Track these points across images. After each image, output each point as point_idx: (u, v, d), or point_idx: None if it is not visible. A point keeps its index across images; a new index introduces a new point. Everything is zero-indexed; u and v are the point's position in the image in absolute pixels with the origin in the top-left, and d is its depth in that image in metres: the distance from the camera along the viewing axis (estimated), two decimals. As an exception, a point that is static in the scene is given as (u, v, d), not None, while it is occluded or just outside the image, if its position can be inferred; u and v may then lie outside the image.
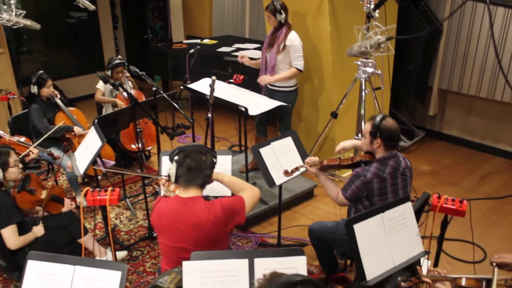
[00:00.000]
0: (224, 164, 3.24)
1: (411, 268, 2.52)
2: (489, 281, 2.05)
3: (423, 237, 2.88)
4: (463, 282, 2.11)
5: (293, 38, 4.36)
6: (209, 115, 3.83)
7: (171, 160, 2.59)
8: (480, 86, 5.43)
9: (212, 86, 3.74)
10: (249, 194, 2.66)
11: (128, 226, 4.30)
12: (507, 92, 5.23)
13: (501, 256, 2.30)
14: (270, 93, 4.54)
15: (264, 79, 4.52)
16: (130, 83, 5.20)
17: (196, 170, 2.53)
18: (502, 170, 5.37)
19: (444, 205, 2.68)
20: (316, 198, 4.73)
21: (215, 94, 4.24)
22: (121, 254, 3.84)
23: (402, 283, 2.35)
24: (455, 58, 5.58)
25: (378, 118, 2.92)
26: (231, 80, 4.77)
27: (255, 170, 4.68)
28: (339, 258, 3.60)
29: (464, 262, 3.71)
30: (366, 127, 2.98)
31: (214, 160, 2.61)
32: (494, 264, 2.28)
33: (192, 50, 5.42)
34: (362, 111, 4.34)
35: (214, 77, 3.88)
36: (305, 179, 4.77)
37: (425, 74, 5.80)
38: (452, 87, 5.69)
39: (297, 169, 3.19)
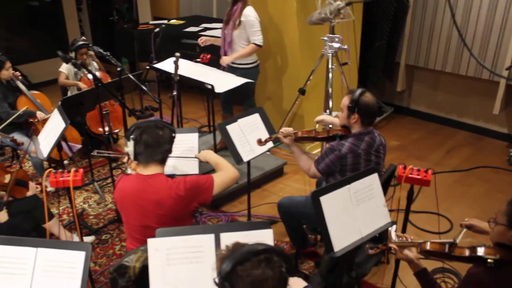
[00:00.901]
0: (190, 141, 3.19)
1: (379, 240, 2.53)
2: (451, 244, 2.07)
3: (391, 211, 2.91)
4: (428, 246, 2.14)
5: (248, 13, 4.30)
6: (174, 93, 3.76)
7: (128, 138, 2.53)
8: (445, 61, 5.48)
9: (176, 63, 3.67)
10: (223, 174, 2.62)
11: (97, 210, 4.22)
12: (471, 67, 5.29)
13: (469, 219, 2.45)
14: (231, 71, 4.49)
15: (224, 60, 4.46)
16: (95, 64, 5.07)
17: (154, 146, 2.47)
18: (467, 143, 5.46)
19: (410, 175, 2.68)
20: (286, 175, 4.72)
21: (182, 73, 4.18)
22: (89, 238, 3.76)
23: (370, 250, 2.36)
24: (421, 34, 5.61)
25: (357, 93, 2.87)
26: (198, 60, 4.69)
27: (224, 149, 4.63)
28: (309, 233, 3.61)
29: (431, 233, 3.76)
30: (344, 101, 2.93)
31: (173, 134, 2.56)
32: (463, 225, 2.35)
33: (157, 29, 5.30)
34: (330, 88, 4.33)
35: (178, 54, 3.80)
36: (275, 157, 4.75)
37: (392, 51, 5.82)
38: (419, 62, 5.72)
39: (270, 138, 3.17)
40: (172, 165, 3.07)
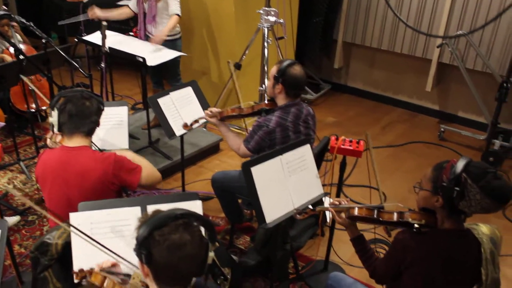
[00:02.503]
0: (119, 116, 3.09)
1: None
2: (379, 209, 2.11)
3: (325, 185, 2.94)
4: (356, 212, 2.17)
5: None
6: (103, 65, 3.62)
7: (53, 107, 2.41)
8: (381, 38, 5.59)
9: (103, 33, 3.53)
10: (149, 168, 2.53)
11: (23, 190, 4.04)
12: (406, 44, 5.42)
13: None
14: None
15: (156, 39, 4.27)
16: (18, 36, 4.80)
17: (79, 116, 2.38)
18: (402, 120, 5.62)
19: (342, 146, 2.71)
20: (222, 152, 4.71)
21: (112, 45, 4.04)
22: (13, 219, 3.59)
23: (298, 215, 2.37)
24: (358, 12, 5.68)
25: (285, 63, 2.85)
26: (131, 33, 4.55)
27: (158, 126, 4.54)
28: (244, 208, 3.61)
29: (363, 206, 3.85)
30: (272, 69, 2.91)
31: (101, 106, 2.46)
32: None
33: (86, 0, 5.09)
34: (265, 63, 4.31)
35: (104, 23, 3.66)
36: (211, 133, 4.71)
37: (330, 27, 5.87)
38: (356, 40, 5.80)
39: (196, 121, 3.10)
40: (101, 139, 2.96)
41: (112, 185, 2.39)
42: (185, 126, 3.11)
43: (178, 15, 4.23)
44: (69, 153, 2.37)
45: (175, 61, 4.37)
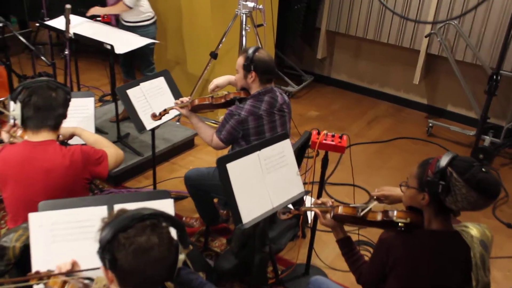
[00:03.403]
0: (85, 108, 3.04)
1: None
2: (364, 208, 2.13)
3: (306, 183, 2.94)
4: (340, 210, 2.18)
5: None
6: (67, 53, 3.57)
7: (15, 100, 2.36)
8: (367, 27, 5.61)
9: (67, 17, 3.47)
10: (113, 151, 2.55)
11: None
12: (392, 34, 5.45)
13: (381, 189, 2.38)
14: (130, 31, 4.32)
15: (91, 10, 4.34)
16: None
17: (45, 109, 2.34)
18: (388, 114, 5.66)
19: (324, 141, 2.72)
20: (197, 147, 4.69)
21: (77, 31, 3.98)
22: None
23: (282, 215, 2.38)
24: (342, -2, 5.70)
25: (250, 50, 2.92)
26: (98, 18, 4.49)
27: (127, 119, 4.49)
28: (220, 208, 3.60)
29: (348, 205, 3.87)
30: (239, 61, 2.97)
31: (68, 96, 2.42)
32: (374, 197, 2.37)
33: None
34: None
35: (68, 6, 3.60)
36: (184, 128, 4.69)
37: (312, 15, 5.88)
38: (340, 28, 5.82)
39: (166, 111, 3.07)
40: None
41: (85, 180, 2.38)
42: (154, 116, 3.07)
43: (125, 4, 4.21)
44: (34, 149, 2.33)
45: (147, 49, 4.34)
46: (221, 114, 4.91)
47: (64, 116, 2.44)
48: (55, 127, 2.41)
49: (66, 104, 2.43)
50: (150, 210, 1.45)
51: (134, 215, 1.43)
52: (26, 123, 2.37)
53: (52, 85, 2.38)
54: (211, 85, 3.24)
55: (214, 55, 4.57)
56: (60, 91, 2.40)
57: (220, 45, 4.55)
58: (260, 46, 4.47)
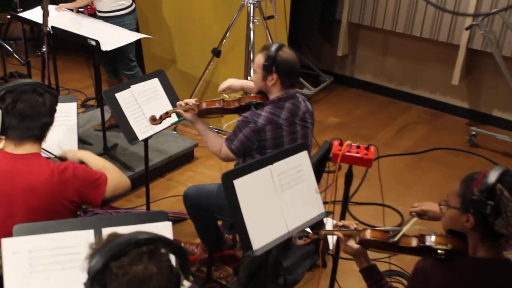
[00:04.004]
0: (66, 114, 3.06)
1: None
2: (396, 233, 2.13)
3: (326, 203, 2.95)
4: (368, 235, 2.18)
5: None
6: (44, 50, 3.62)
7: None
8: (396, 19, 5.64)
9: (44, 7, 3.51)
10: (116, 176, 2.55)
11: None
12: (426, 27, 5.47)
13: (420, 204, 2.45)
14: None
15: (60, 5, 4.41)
16: None
17: (32, 118, 2.35)
18: (422, 120, 5.67)
19: (347, 153, 2.73)
20: (197, 161, 4.71)
21: (56, 25, 4.02)
22: None
23: (298, 240, 2.38)
24: (366, -16, 5.73)
25: (273, 48, 2.90)
26: (81, 9, 4.55)
27: (115, 128, 4.53)
28: (225, 232, 3.61)
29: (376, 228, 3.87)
30: (258, 59, 2.96)
31: (56, 102, 2.45)
32: (413, 213, 2.40)
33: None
34: (251, 48, 4.32)
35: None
36: (182, 137, 4.72)
37: (331, 5, 5.91)
38: (364, 20, 5.85)
39: (167, 114, 3.09)
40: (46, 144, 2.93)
41: (72, 203, 2.38)
42: (153, 120, 3.08)
43: None
44: (16, 163, 2.34)
45: (128, 44, 4.35)
46: (225, 122, 4.94)
47: (50, 124, 2.45)
48: (40, 137, 2.42)
49: (52, 111, 2.45)
50: (146, 234, 1.46)
51: (129, 240, 1.44)
52: (7, 133, 2.38)
53: (39, 89, 2.38)
54: (224, 85, 3.25)
55: (216, 52, 4.59)
56: (47, 96, 2.41)
57: (224, 40, 4.57)
58: (271, 41, 4.51)
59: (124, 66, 4.61)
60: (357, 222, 2.40)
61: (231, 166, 3.95)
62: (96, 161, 2.63)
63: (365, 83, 6.27)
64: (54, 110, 2.46)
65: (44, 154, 2.53)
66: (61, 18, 4.22)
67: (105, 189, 2.45)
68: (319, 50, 6.37)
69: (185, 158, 4.64)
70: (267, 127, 2.88)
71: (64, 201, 2.38)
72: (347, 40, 6.06)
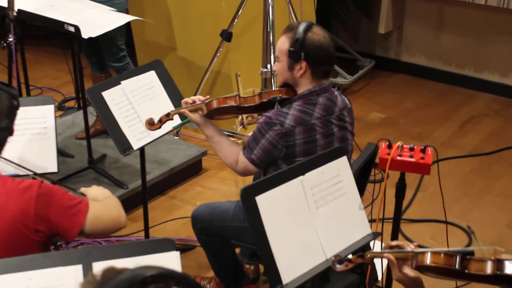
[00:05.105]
0: (41, 120, 3.09)
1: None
2: (465, 256, 2.11)
3: (372, 221, 2.94)
4: (428, 260, 2.16)
5: None
6: (11, 39, 3.65)
7: None
8: (453, -17, 5.63)
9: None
10: (103, 207, 2.53)
11: None
12: (493, -9, 5.45)
13: None
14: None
15: None
16: None
17: None
18: (491, 112, 5.66)
19: (399, 158, 2.72)
20: (206, 173, 4.73)
21: (25, 8, 4.04)
22: None
23: (338, 265, 2.36)
24: None
25: (300, 28, 2.85)
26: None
27: (102, 134, 4.56)
28: (245, 262, 3.62)
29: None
30: (282, 43, 2.92)
31: (15, 103, 2.46)
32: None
33: None
34: (270, 29, 4.32)
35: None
36: (187, 144, 4.74)
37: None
38: (412, -13, 5.86)
39: (169, 117, 3.09)
40: (17, 157, 2.96)
41: (35, 233, 2.37)
42: (150, 124, 3.06)
43: None
44: None
45: (115, 29, 4.33)
46: (239, 123, 4.94)
47: (8, 131, 2.46)
48: None
49: (12, 114, 2.46)
50: (154, 270, 1.45)
51: (133, 278, 1.43)
52: None
53: None
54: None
55: (226, 36, 4.60)
56: (3, 95, 2.43)
57: (236, 20, 4.59)
58: (295, 18, 4.51)
59: (111, 56, 4.63)
60: (415, 243, 2.37)
61: (249, 179, 3.97)
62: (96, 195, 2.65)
63: (415, 67, 6.27)
64: (14, 113, 2.47)
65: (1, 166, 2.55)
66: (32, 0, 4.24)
67: (82, 220, 2.40)
68: (356, 28, 6.38)
69: (191, 170, 4.66)
70: (297, 130, 2.85)
71: (26, 230, 2.37)
72: (390, 14, 6.05)
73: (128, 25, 4.53)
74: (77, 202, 2.42)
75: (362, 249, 2.62)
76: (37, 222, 2.36)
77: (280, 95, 2.97)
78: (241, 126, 3.30)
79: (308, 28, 2.86)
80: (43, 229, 2.37)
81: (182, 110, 3.04)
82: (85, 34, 3.85)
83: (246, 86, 3.34)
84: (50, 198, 2.38)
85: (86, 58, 4.78)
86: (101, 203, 2.56)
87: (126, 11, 4.54)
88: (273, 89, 3.09)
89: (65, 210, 2.39)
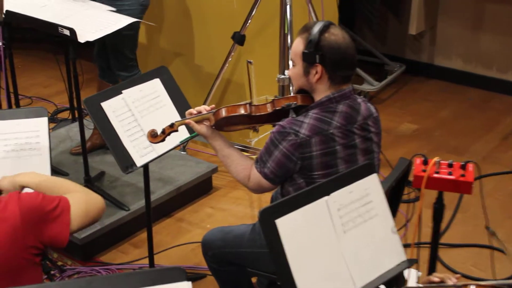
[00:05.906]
0: (34, 134, 3.11)
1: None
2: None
3: (407, 246, 2.92)
4: None
5: None
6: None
7: None
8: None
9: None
10: (81, 196, 2.54)
11: None
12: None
13: None
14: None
15: None
16: None
17: None
18: (539, 122, 5.65)
19: (435, 175, 2.72)
20: (217, 192, 4.74)
21: (15, 9, 4.07)
22: None
23: None
24: None
25: (316, 28, 2.87)
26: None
27: (101, 149, 4.57)
28: (262, 292, 3.62)
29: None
30: (296, 45, 2.93)
31: None
32: None
33: None
34: (287, 30, 4.33)
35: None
36: (196, 160, 4.75)
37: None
38: (447, -18, 5.87)
39: (173, 128, 3.10)
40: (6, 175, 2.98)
41: (29, 250, 2.40)
42: (152, 136, 3.09)
43: None
44: None
45: (122, 35, 4.38)
46: (254, 136, 4.95)
47: None
48: None
49: None
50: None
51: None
52: None
53: None
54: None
55: (239, 38, 4.62)
56: None
57: (249, 21, 4.61)
58: (315, 18, 4.53)
59: (117, 64, 4.65)
60: (457, 275, 2.35)
61: (265, 198, 3.97)
62: (40, 180, 2.64)
63: (451, 71, 6.27)
64: None
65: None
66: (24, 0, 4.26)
67: (69, 218, 2.43)
68: (384, 28, 6.38)
69: (200, 189, 4.67)
70: (313, 140, 2.85)
71: (20, 251, 2.37)
72: (423, 12, 6.05)
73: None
74: (56, 203, 2.43)
75: (396, 278, 2.62)
76: (26, 236, 2.37)
77: (295, 102, 2.98)
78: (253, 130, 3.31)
79: (325, 28, 2.87)
80: (34, 243, 2.39)
81: (187, 121, 3.05)
82: (82, 38, 3.87)
83: (260, 94, 3.36)
84: (32, 206, 2.39)
85: (95, 61, 4.81)
86: (75, 194, 2.54)
87: (140, 17, 4.51)
88: (289, 96, 3.07)
89: (49, 213, 2.41)
